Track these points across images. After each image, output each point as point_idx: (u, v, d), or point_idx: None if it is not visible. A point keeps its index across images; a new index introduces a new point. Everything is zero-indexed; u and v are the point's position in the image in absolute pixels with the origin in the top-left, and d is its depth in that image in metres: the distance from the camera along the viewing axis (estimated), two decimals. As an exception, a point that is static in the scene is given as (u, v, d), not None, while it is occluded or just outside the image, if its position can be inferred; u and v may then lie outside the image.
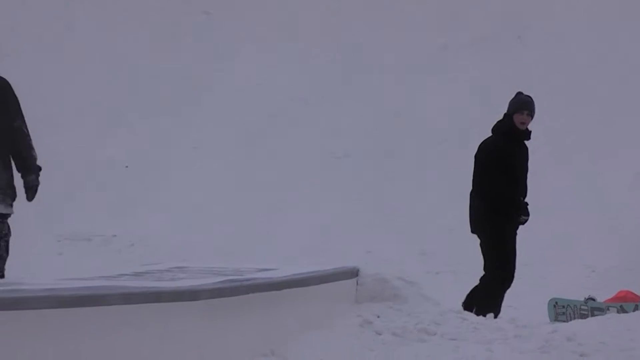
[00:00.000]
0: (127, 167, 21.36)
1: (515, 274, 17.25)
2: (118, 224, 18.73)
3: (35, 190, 10.63)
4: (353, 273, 10.61)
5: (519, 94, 12.77)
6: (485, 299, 12.21)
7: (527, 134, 12.66)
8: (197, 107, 26.04)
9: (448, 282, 13.67)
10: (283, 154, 23.34)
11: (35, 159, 10.44)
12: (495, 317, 11.56)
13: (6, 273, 10.49)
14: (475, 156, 12.71)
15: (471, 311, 11.48)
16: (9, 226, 11.17)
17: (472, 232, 12.74)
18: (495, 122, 12.71)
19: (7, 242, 11.31)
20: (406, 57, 27.69)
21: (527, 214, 12.62)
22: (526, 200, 12.86)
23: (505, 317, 11.55)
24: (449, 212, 21.80)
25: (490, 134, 12.79)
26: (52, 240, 13.92)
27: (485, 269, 12.54)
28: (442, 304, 10.94)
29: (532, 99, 12.63)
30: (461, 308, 12.10)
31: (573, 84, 27.58)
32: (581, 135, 26.61)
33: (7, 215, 11.37)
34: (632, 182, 22.85)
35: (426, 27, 28.99)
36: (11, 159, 10.35)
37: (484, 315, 11.14)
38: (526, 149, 12.84)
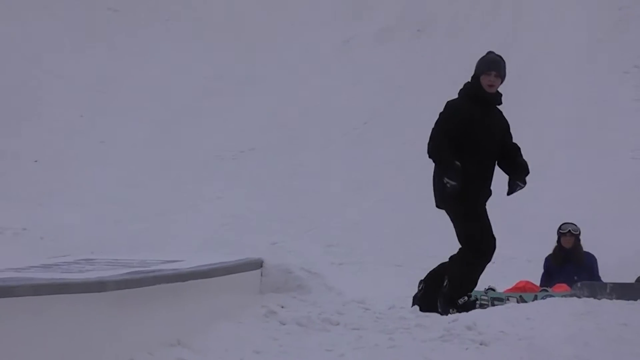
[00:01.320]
0: (36, 161, 21.33)
1: (424, 262, 17.35)
2: (28, 218, 18.77)
3: None
4: (257, 264, 10.73)
5: (489, 52, 11.69)
6: (457, 272, 11.77)
7: (497, 97, 11.55)
8: (106, 102, 26.09)
9: (351, 273, 13.73)
10: (190, 148, 23.47)
11: None
12: (470, 292, 11.71)
13: None
14: (435, 123, 11.52)
15: (435, 285, 11.64)
16: None
17: (437, 206, 11.96)
18: (465, 82, 11.62)
19: None
20: (309, 52, 27.90)
21: (455, 179, 11.12)
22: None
23: (409, 307, 11.54)
24: (353, 204, 22.02)
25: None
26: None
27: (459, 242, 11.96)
28: (345, 294, 11.09)
29: (502, 58, 11.55)
30: (364, 298, 11.44)
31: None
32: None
33: None
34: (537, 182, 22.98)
35: (330, 22, 29.11)
36: None
37: (455, 291, 11.37)
38: (499, 113, 11.82)
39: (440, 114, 11.43)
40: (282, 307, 9.90)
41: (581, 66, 26.48)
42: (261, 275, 10.69)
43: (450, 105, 11.40)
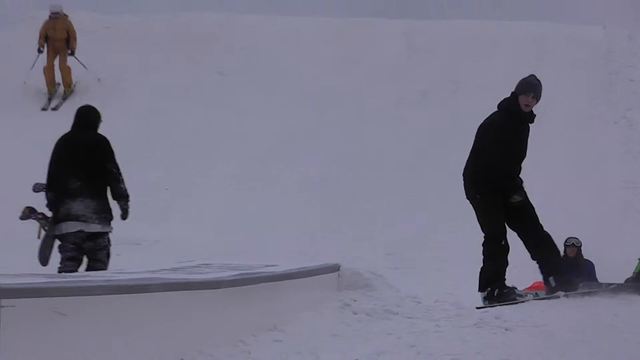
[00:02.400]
0: (167, 189, 21.58)
1: (461, 267, 17.14)
2: (159, 232, 18.95)
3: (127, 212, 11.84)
4: (335, 268, 10.83)
5: (530, 75, 10.94)
6: (488, 269, 11.13)
7: (531, 116, 10.94)
8: (208, 143, 26.47)
9: (405, 275, 13.82)
10: (279, 180, 23.71)
11: (124, 190, 11.72)
12: (500, 288, 10.85)
13: None
14: (477, 129, 11.02)
15: (490, 292, 10.90)
16: (109, 239, 12.35)
17: (467, 198, 11.18)
18: (501, 100, 10.97)
19: (109, 251, 12.31)
20: (367, 108, 28.01)
21: (519, 193, 10.88)
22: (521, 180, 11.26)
23: (450, 301, 11.65)
24: (405, 222, 21.98)
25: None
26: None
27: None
28: (401, 292, 11.15)
29: (540, 82, 10.84)
30: (416, 294, 11.52)
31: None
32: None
33: (107, 232, 12.37)
34: (543, 201, 23.10)
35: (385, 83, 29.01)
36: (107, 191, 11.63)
37: (496, 289, 10.75)
38: (528, 130, 11.08)
39: (483, 125, 10.88)
40: (354, 300, 10.03)
41: (580, 118, 26.37)
42: (338, 276, 10.78)
43: (494, 125, 10.73)
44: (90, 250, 12.30)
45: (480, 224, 11.12)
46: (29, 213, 14.26)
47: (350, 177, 24.86)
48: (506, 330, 9.02)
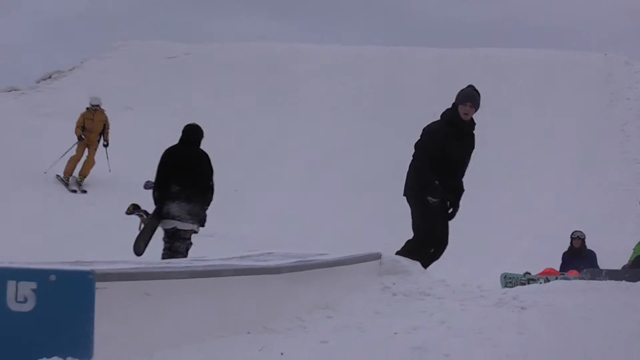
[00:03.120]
0: (236, 190, 21.60)
1: (480, 256, 18.08)
2: (230, 226, 19.14)
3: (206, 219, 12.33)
4: (377, 256, 10.79)
5: (469, 86, 10.19)
6: (403, 255, 10.23)
7: (471, 125, 10.25)
8: (277, 150, 26.74)
9: (436, 263, 13.75)
10: (332, 183, 23.95)
11: (210, 200, 12.39)
12: None
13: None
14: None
15: None
16: (191, 236, 12.71)
17: (404, 195, 10.55)
18: (445, 109, 10.24)
19: (189, 245, 12.65)
20: (408, 121, 27.96)
21: (437, 196, 10.05)
22: (464, 189, 10.64)
23: (474, 284, 11.42)
24: None
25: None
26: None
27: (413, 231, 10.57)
28: (433, 276, 10.98)
29: (477, 92, 10.06)
30: (445, 278, 11.05)
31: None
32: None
33: (193, 232, 12.71)
34: (553, 200, 23.22)
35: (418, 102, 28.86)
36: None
37: None
38: (471, 139, 10.40)
39: (423, 131, 10.18)
40: (393, 284, 9.97)
41: (585, 131, 26.53)
42: (379, 263, 10.76)
43: (430, 129, 10.09)
44: (177, 241, 12.97)
45: (413, 224, 10.51)
46: (133, 209, 14.45)
47: (391, 182, 24.84)
48: (522, 309, 8.95)
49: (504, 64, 32.23)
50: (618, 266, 17.69)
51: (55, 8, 78.48)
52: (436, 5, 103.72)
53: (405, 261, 11.14)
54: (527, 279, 16.20)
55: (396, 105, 29.18)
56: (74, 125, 23.68)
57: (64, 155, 21.23)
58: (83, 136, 20.90)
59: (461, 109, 9.80)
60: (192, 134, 13.53)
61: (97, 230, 18.95)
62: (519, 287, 12.73)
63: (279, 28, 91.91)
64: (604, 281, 14.08)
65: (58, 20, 73.64)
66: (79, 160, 20.85)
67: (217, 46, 36.78)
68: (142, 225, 13.35)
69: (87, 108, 21.24)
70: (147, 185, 13.70)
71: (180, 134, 13.02)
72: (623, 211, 21.41)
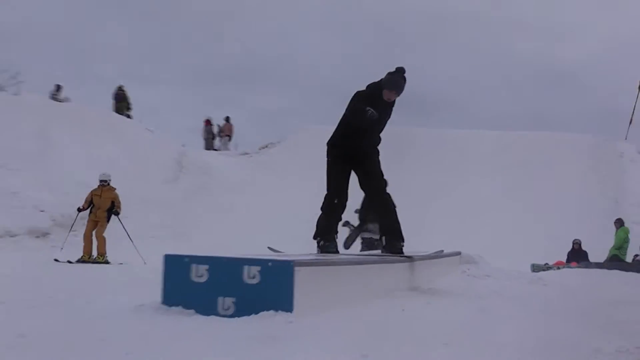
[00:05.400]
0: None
1: (517, 253, 16.90)
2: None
3: None
4: (458, 253, 11.05)
5: (398, 74, 7.28)
6: (321, 221, 7.65)
7: (391, 103, 7.37)
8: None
9: (494, 257, 12.48)
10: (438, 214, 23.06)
11: None
12: (324, 241, 7.50)
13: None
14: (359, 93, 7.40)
15: (318, 242, 7.60)
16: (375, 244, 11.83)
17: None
18: (373, 81, 7.38)
19: (372, 247, 12.06)
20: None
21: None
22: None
23: (514, 269, 11.33)
24: (491, 225, 21.37)
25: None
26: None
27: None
28: (492, 265, 11.21)
29: (405, 80, 7.31)
30: (500, 267, 11.24)
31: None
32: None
33: (377, 240, 10.95)
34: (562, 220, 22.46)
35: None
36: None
37: (321, 241, 7.57)
38: (389, 110, 7.46)
39: (354, 96, 7.25)
40: (468, 269, 10.16)
41: (578, 184, 24.90)
42: (460, 257, 10.95)
43: (359, 93, 7.25)
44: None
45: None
46: (343, 225, 14.77)
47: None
48: (544, 285, 9.39)
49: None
50: (601, 260, 18.04)
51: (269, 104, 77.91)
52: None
53: (476, 256, 11.34)
54: (547, 267, 15.96)
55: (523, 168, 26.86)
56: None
57: (70, 232, 15.34)
58: (81, 208, 14.84)
59: (386, 93, 7.21)
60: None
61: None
62: (542, 272, 12.86)
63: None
64: (592, 269, 14.49)
65: (275, 111, 73.23)
66: (90, 235, 14.44)
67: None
68: (350, 233, 13.37)
69: (98, 185, 14.93)
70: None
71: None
72: (605, 230, 19.89)
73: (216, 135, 31.97)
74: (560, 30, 74.62)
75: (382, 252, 7.59)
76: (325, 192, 7.48)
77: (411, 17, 76.78)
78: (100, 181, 14.90)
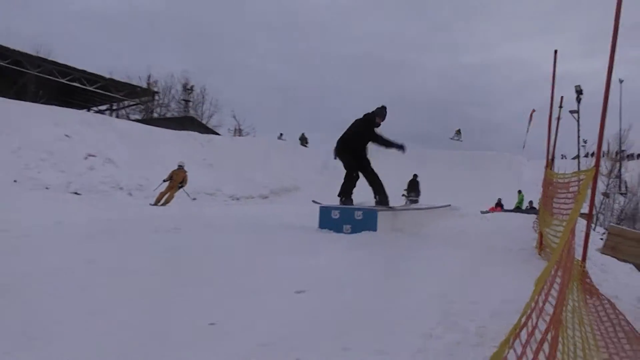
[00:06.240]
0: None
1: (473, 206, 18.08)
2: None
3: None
4: (449, 205, 12.72)
5: (384, 108, 8.21)
6: (344, 185, 8.23)
7: (378, 124, 8.05)
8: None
9: (464, 208, 15.44)
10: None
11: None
12: (345, 198, 8.16)
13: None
14: (357, 123, 8.21)
15: (340, 198, 8.18)
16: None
17: (338, 155, 8.44)
18: (373, 111, 8.13)
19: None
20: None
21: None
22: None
23: (475, 212, 13.26)
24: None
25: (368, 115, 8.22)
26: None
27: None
28: (463, 210, 12.92)
29: (386, 111, 8.13)
30: (468, 211, 13.36)
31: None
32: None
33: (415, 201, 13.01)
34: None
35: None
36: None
37: (343, 198, 8.19)
38: (373, 130, 8.14)
39: (368, 121, 8.22)
40: (458, 214, 11.78)
41: None
42: (450, 207, 12.33)
43: (366, 120, 8.18)
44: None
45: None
46: (402, 195, 19.12)
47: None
48: (487, 219, 11.37)
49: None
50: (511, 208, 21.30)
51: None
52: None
53: (461, 207, 12.84)
54: (486, 212, 17.40)
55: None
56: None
57: (156, 189, 17.43)
58: (165, 180, 17.10)
59: (379, 120, 8.09)
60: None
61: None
62: (484, 214, 14.40)
63: None
64: (508, 213, 16.82)
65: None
66: (164, 195, 16.54)
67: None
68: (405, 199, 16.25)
69: (177, 167, 17.22)
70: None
71: None
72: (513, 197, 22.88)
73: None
74: None
75: (375, 204, 7.92)
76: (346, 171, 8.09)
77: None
78: (178, 165, 17.08)
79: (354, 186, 7.96)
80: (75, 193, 16.22)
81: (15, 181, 15.54)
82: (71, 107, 25.67)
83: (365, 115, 8.10)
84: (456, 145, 35.84)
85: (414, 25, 74.63)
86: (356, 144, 8.02)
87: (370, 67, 67.62)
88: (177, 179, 16.89)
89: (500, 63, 67.65)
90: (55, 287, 3.64)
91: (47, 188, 15.93)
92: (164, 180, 17.02)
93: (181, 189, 17.00)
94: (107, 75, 31.63)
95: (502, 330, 2.92)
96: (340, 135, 8.10)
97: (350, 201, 7.81)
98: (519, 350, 1.78)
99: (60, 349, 2.64)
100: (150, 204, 15.42)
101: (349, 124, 8.18)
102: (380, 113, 8.09)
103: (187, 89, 39.66)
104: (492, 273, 4.92)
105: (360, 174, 8.02)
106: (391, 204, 8.03)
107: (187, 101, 39.17)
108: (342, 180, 7.99)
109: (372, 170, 8.04)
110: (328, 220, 7.17)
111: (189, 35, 59.37)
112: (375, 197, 7.99)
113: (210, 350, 2.67)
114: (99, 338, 2.81)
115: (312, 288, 3.98)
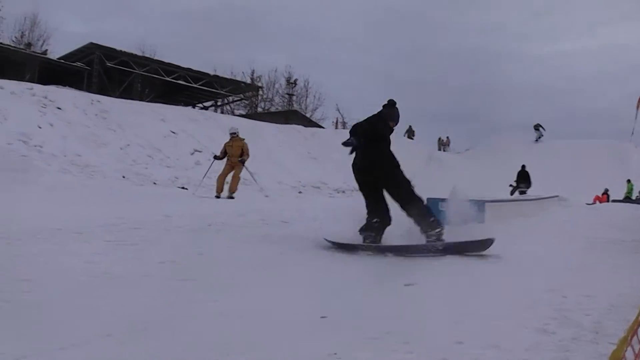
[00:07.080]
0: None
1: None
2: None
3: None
4: (557, 195, 12.33)
5: (396, 109, 6.25)
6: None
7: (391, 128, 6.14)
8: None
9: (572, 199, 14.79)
10: None
11: None
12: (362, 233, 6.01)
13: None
14: (377, 117, 6.23)
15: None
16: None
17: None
18: (387, 110, 6.23)
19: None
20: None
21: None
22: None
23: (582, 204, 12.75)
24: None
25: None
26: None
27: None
28: (571, 200, 12.45)
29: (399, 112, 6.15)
30: (574, 201, 12.94)
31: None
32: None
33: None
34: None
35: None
36: None
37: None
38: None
39: (376, 118, 6.29)
40: (562, 202, 11.43)
41: None
42: (558, 197, 11.86)
43: (379, 119, 6.22)
44: None
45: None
46: (509, 185, 17.49)
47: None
48: (595, 209, 11.10)
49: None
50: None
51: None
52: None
53: (568, 197, 11.78)
54: (592, 204, 16.20)
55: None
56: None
57: (204, 177, 13.36)
58: (216, 156, 12.98)
59: (391, 125, 6.20)
60: None
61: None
62: (591, 205, 13.69)
63: None
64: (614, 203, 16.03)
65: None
66: (225, 176, 12.45)
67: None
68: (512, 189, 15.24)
69: (230, 137, 12.81)
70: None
71: None
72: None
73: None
74: None
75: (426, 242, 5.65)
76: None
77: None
78: (231, 134, 12.66)
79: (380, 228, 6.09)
80: (183, 188, 15.24)
81: (124, 177, 15.15)
82: (176, 105, 25.20)
83: (380, 115, 6.47)
84: (560, 134, 34.16)
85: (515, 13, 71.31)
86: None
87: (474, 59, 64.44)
88: (234, 153, 12.39)
89: (603, 49, 64.04)
90: (167, 278, 3.69)
91: (154, 183, 15.49)
92: (216, 158, 12.68)
93: (244, 167, 12.41)
94: (212, 72, 31.10)
95: (618, 326, 2.72)
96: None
97: (375, 240, 5.94)
98: (637, 347, 1.63)
99: (176, 336, 2.62)
100: (216, 197, 11.83)
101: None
102: (394, 117, 6.52)
103: (291, 83, 38.12)
104: (603, 265, 4.63)
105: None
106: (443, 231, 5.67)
107: (290, 95, 37.82)
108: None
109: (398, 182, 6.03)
110: (435, 213, 6.53)
111: (292, 29, 57.34)
112: (423, 231, 5.67)
113: (326, 341, 2.55)
114: (216, 326, 2.77)
115: (421, 282, 3.84)
